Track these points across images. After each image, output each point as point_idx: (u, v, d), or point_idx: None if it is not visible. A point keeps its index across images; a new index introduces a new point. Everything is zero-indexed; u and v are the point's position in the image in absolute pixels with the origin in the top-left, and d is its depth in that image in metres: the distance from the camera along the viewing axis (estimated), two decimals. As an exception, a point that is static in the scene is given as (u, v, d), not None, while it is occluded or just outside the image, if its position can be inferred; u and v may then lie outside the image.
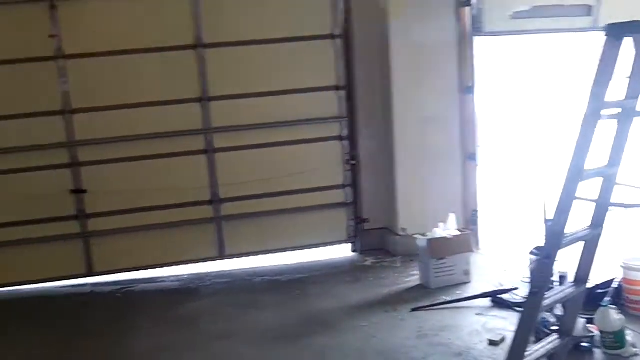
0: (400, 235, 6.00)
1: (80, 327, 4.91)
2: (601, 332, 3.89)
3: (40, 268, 5.79)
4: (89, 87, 5.68)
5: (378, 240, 6.19)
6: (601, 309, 3.91)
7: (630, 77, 3.01)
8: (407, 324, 4.56)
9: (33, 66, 5.56)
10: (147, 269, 5.93)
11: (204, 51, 5.74)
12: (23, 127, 5.61)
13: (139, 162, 5.80)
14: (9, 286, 5.78)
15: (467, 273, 5.26)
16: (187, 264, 5.96)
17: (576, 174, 2.90)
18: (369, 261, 5.95)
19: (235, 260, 6.02)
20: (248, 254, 6.04)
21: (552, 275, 3.32)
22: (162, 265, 5.94)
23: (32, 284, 5.81)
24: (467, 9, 5.80)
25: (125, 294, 5.60)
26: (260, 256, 6.07)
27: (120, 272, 5.89)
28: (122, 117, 5.72)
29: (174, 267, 5.94)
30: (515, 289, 4.90)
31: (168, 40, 5.71)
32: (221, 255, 6.00)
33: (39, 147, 5.63)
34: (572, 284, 3.30)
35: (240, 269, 5.95)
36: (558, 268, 4.32)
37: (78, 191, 5.73)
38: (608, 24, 2.91)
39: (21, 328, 4.97)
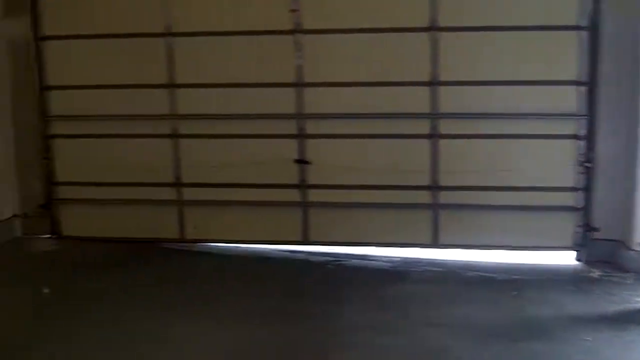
0: (635, 251, 5.40)
1: (293, 291, 5.05)
2: None
3: (260, 230, 6.09)
4: (321, 63, 5.82)
5: (607, 252, 5.60)
6: None
7: None
8: (638, 347, 4.08)
9: (271, 39, 5.83)
10: (359, 245, 5.96)
11: (438, 34, 5.60)
12: (255, 96, 5.90)
13: (362, 139, 5.83)
14: (229, 243, 6.17)
15: None
16: (399, 246, 5.90)
17: None
18: (595, 273, 5.42)
19: (447, 250, 5.84)
20: (462, 246, 5.82)
21: None
22: (374, 244, 5.94)
23: (250, 243, 6.13)
24: None
25: (338, 266, 5.68)
26: (474, 250, 5.82)
27: (333, 245, 6.00)
28: (352, 94, 5.78)
29: (386, 248, 5.92)
30: None
31: (401, 21, 5.65)
32: (434, 244, 5.85)
33: (267, 116, 5.91)
34: None
35: (452, 260, 5.74)
36: None
37: (302, 162, 5.91)
38: None
39: (238, 283, 5.24)
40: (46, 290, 4.99)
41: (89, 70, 6.11)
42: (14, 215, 6.39)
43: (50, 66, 6.18)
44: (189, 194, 6.17)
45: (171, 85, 6.00)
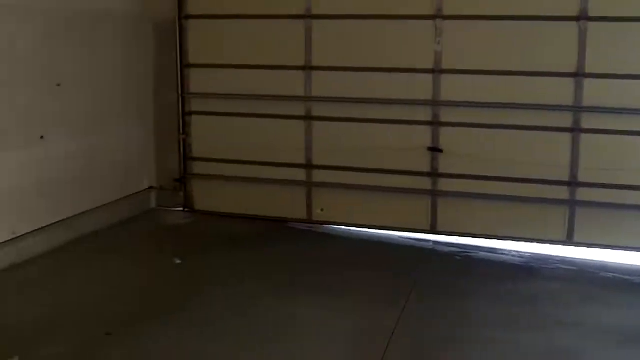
0: None
1: (421, 281, 5.01)
2: None
3: (387, 216, 6.08)
4: (460, 49, 5.71)
5: None
6: None
7: None
8: None
9: (411, 24, 5.78)
10: (488, 238, 5.85)
11: (587, 24, 5.34)
12: (391, 81, 5.87)
13: (498, 130, 5.69)
14: (355, 227, 6.21)
15: None
16: (530, 242, 5.74)
17: None
18: None
19: (581, 249, 5.63)
20: (598, 246, 5.59)
21: None
22: (504, 238, 5.80)
23: (376, 229, 6.14)
24: None
25: (465, 258, 5.61)
26: (610, 251, 5.59)
27: (461, 236, 5.93)
28: (490, 82, 5.65)
29: (516, 243, 5.77)
30: None
31: (548, 9, 5.44)
32: (569, 241, 5.65)
33: (402, 102, 5.87)
34: None
35: (586, 259, 5.55)
36: None
37: (435, 149, 5.85)
38: None
39: (366, 270, 5.23)
40: (178, 261, 5.22)
41: (228, 49, 6.29)
42: (151, 187, 6.69)
43: (191, 45, 6.40)
44: (318, 176, 6.25)
45: (307, 68, 6.08)
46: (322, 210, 6.29)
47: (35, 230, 5.19)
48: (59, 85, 5.34)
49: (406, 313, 4.39)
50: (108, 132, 6.04)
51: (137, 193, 6.51)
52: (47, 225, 5.32)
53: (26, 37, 5.02)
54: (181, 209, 6.66)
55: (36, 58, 5.13)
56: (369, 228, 6.18)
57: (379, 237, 6.07)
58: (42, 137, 5.21)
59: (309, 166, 6.24)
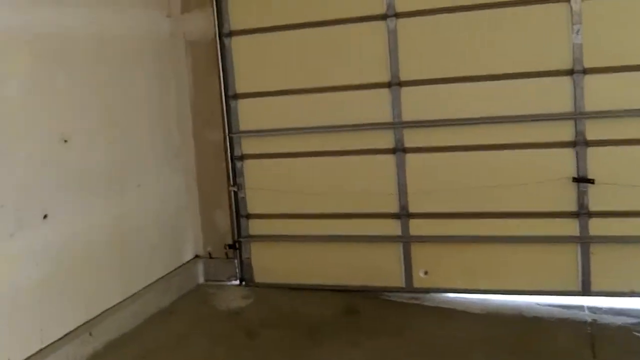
0: None
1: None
2: None
3: (518, 276, 4.44)
4: (606, 39, 4.11)
5: None
6: None
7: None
8: None
9: (542, 9, 4.21)
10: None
11: None
12: (509, 91, 4.31)
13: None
14: (473, 293, 4.55)
15: None
16: None
17: None
18: None
19: None
20: None
21: None
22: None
23: (504, 294, 4.48)
24: None
25: (648, 334, 3.89)
26: None
27: (626, 296, 4.22)
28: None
29: None
30: None
31: None
32: None
33: (527, 118, 4.26)
34: None
35: None
36: None
37: (583, 180, 4.20)
38: None
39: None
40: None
41: (286, 70, 4.79)
42: (196, 256, 5.17)
43: (238, 68, 4.92)
44: (418, 227, 4.65)
45: (394, 83, 4.52)
46: (425, 273, 4.66)
47: (50, 344, 3.67)
48: (65, 141, 3.86)
49: None
50: (135, 194, 4.51)
51: (179, 267, 4.97)
52: (63, 336, 3.79)
53: (18, 75, 3.56)
54: (237, 282, 5.10)
55: (33, 103, 3.65)
56: (493, 294, 4.51)
57: (513, 307, 4.37)
58: (45, 217, 3.72)
59: (404, 215, 4.64)
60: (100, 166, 4.15)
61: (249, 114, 4.95)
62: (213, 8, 4.85)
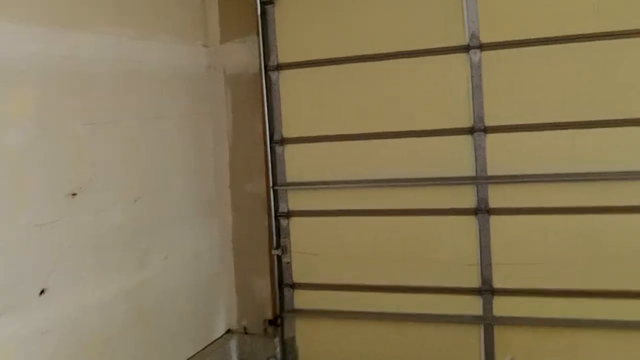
0: None
1: None
2: None
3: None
4: None
5: None
6: None
7: None
8: None
9: None
10: None
11: None
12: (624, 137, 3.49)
13: None
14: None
15: None
16: None
17: None
18: None
19: None
20: None
21: None
22: None
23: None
24: None
25: None
26: None
27: None
28: None
29: None
30: None
31: None
32: None
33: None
34: None
35: None
36: None
37: None
38: None
39: None
40: None
41: (343, 112, 4.01)
42: (229, 331, 4.33)
43: (285, 108, 4.16)
44: (503, 306, 3.78)
45: (477, 129, 3.71)
46: (513, 361, 3.79)
47: None
48: (74, 194, 3.09)
49: None
50: (160, 262, 3.72)
51: (209, 345, 4.13)
52: None
53: (22, 118, 2.82)
54: (278, 364, 4.26)
55: (37, 152, 2.90)
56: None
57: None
58: (42, 292, 2.92)
59: (487, 291, 3.79)
60: (117, 227, 3.37)
61: (297, 162, 4.16)
62: (258, 37, 4.12)
